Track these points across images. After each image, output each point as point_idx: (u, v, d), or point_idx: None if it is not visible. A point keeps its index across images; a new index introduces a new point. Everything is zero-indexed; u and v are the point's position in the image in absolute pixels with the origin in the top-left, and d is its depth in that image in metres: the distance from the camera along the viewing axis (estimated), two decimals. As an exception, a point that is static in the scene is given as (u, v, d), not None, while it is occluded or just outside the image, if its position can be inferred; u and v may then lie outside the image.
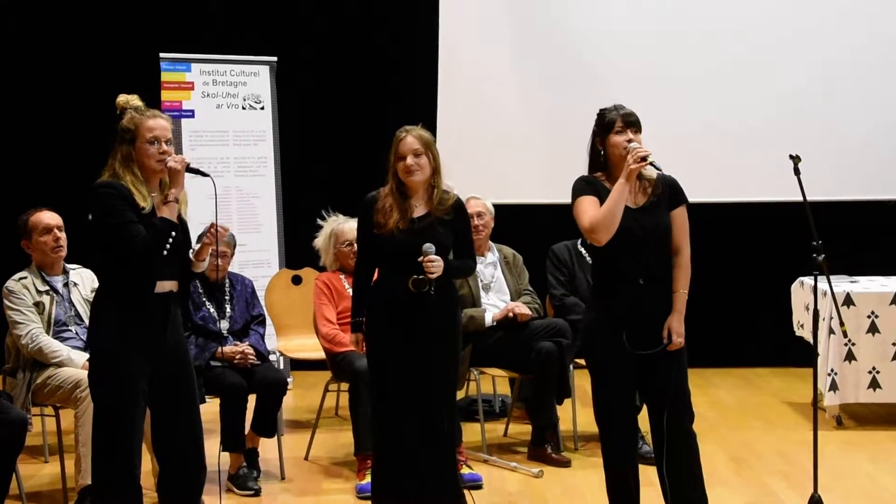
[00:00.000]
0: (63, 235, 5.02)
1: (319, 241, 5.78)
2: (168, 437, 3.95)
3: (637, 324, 3.95)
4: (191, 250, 4.01)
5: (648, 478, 4.17)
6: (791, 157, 4.42)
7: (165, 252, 3.80)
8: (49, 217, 5.00)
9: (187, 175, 3.92)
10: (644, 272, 3.94)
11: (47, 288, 4.98)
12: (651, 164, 3.88)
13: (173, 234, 3.81)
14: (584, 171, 4.09)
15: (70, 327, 5.00)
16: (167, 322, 3.89)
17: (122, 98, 3.92)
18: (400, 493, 4.33)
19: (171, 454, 3.96)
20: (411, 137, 4.29)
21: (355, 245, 5.50)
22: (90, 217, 3.83)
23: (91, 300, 5.04)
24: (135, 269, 3.80)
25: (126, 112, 3.89)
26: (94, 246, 3.86)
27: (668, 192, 4.00)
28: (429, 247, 4.18)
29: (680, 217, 4.01)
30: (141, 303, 3.83)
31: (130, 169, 3.83)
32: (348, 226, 5.61)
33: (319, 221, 5.79)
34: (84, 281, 5.14)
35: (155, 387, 3.88)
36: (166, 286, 3.89)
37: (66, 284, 5.06)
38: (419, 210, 4.32)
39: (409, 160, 4.26)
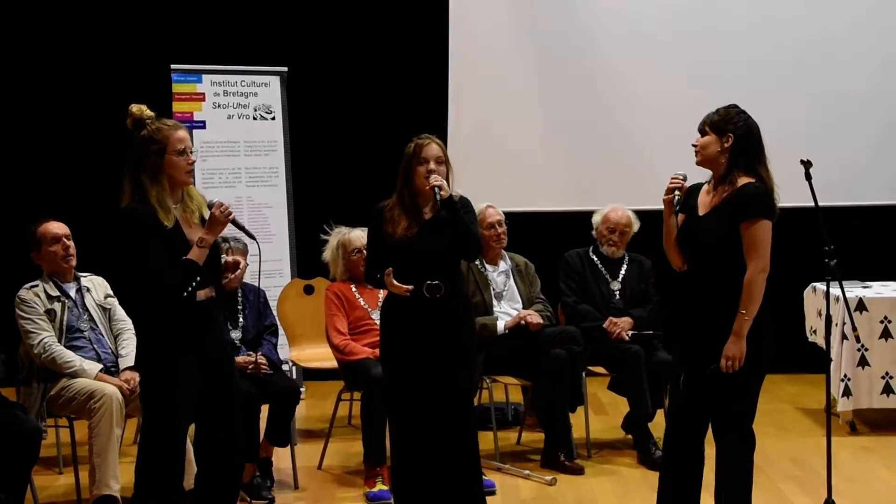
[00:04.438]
0: (72, 244, 5.04)
1: (327, 255, 5.77)
2: (210, 441, 4.01)
3: (693, 339, 3.96)
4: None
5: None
6: (802, 161, 4.42)
7: (186, 294, 3.82)
8: (56, 227, 5.02)
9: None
10: (695, 285, 3.97)
11: (58, 294, 5.00)
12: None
13: (198, 278, 3.84)
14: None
15: (84, 333, 5.01)
16: (209, 328, 3.94)
17: (135, 108, 3.91)
18: (423, 499, 4.37)
19: (210, 457, 4.02)
20: (435, 144, 4.39)
21: (365, 252, 5.53)
22: (114, 241, 3.86)
23: (105, 306, 5.10)
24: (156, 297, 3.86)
25: (145, 123, 3.88)
26: (118, 267, 3.90)
27: (737, 201, 3.89)
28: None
29: (746, 231, 3.86)
30: (181, 315, 3.86)
31: (159, 182, 3.84)
32: (355, 234, 5.61)
33: (323, 236, 5.79)
34: (96, 287, 5.16)
35: (201, 391, 3.92)
36: (202, 294, 3.92)
37: (78, 290, 5.08)
38: (427, 215, 4.38)
39: (433, 165, 4.33)
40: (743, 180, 3.90)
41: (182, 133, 3.89)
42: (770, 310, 3.93)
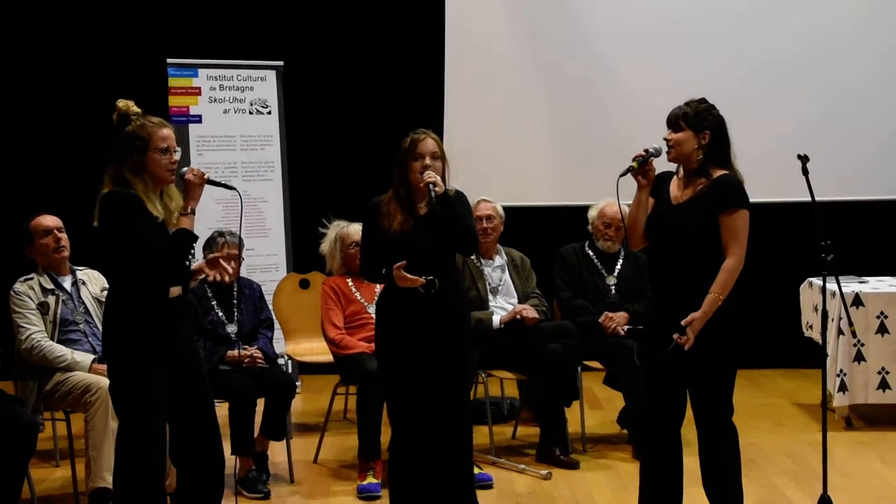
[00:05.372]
0: (64, 236, 5.04)
1: (325, 247, 5.79)
2: (188, 441, 3.96)
3: (665, 323, 3.92)
4: (191, 258, 4.02)
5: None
6: (799, 156, 4.42)
7: (188, 262, 3.83)
8: (48, 220, 5.03)
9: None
10: (668, 272, 3.94)
11: (53, 287, 4.99)
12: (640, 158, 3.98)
13: (194, 245, 3.85)
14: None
15: (79, 326, 5.00)
16: (179, 325, 3.92)
17: (122, 103, 3.89)
18: (416, 493, 4.36)
19: (191, 457, 3.97)
20: (430, 140, 4.35)
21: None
22: (99, 225, 3.82)
23: (101, 299, 5.09)
24: (151, 279, 3.82)
25: (131, 119, 3.86)
26: (105, 254, 3.87)
27: (714, 193, 3.90)
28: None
29: (727, 221, 3.89)
30: (157, 309, 3.83)
31: (142, 178, 3.82)
32: (353, 228, 5.61)
33: (321, 229, 5.79)
34: (92, 280, 5.15)
35: (173, 390, 3.89)
36: (174, 291, 3.91)
37: (74, 283, 5.07)
38: (423, 210, 4.36)
39: (428, 160, 4.30)
40: (717, 173, 3.92)
41: (166, 132, 3.87)
42: (741, 308, 3.95)
